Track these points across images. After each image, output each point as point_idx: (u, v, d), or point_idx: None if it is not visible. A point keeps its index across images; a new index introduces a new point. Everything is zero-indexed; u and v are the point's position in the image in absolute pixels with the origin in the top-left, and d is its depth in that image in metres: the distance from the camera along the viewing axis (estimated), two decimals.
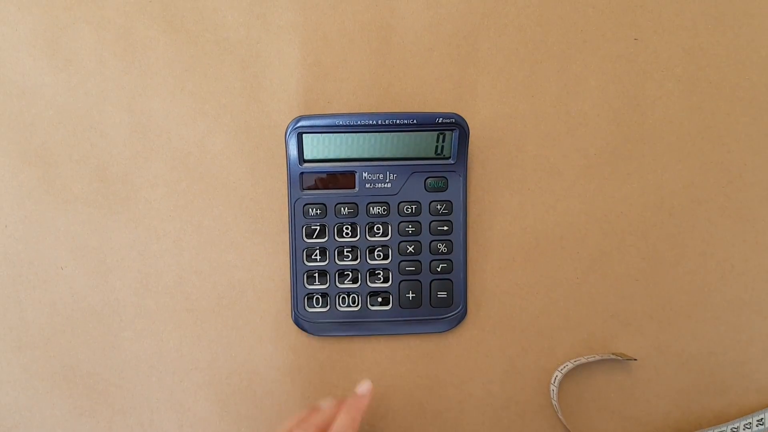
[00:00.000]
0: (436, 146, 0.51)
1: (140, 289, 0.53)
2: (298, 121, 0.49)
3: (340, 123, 0.49)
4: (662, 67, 0.54)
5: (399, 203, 0.51)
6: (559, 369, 0.53)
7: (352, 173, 0.51)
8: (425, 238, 0.52)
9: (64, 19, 0.52)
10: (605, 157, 0.54)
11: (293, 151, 0.50)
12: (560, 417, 0.53)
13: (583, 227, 0.54)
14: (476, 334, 0.54)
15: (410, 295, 0.52)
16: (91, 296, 0.53)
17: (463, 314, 0.53)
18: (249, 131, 0.53)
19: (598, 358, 0.53)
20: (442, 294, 0.52)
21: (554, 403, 0.53)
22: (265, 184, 0.53)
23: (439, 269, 0.52)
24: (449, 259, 0.52)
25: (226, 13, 0.52)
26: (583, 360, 0.53)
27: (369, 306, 0.52)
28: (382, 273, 0.52)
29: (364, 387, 0.48)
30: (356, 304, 0.52)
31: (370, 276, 0.52)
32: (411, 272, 0.52)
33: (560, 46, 0.53)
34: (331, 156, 0.51)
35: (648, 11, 0.53)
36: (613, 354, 0.53)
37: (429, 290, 0.52)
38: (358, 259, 0.52)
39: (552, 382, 0.53)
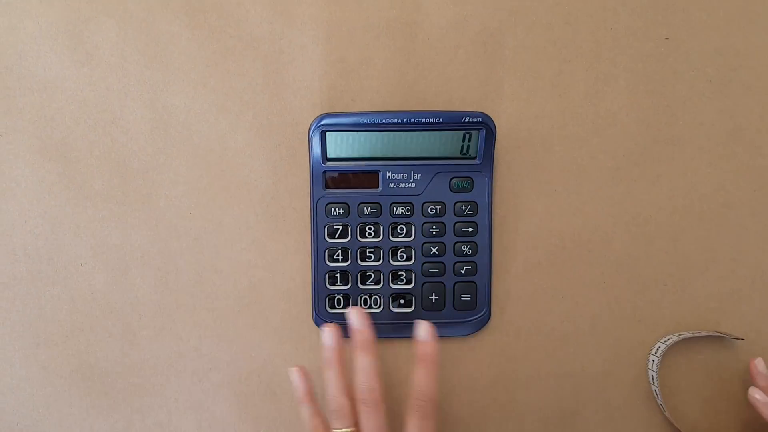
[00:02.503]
0: (462, 146, 0.50)
1: (160, 287, 0.53)
2: (322, 119, 0.48)
3: (365, 121, 0.48)
4: (693, 67, 0.52)
5: (423, 204, 0.51)
6: (662, 340, 0.52)
7: (376, 172, 0.50)
8: (449, 239, 0.51)
9: (86, 12, 0.51)
10: (634, 158, 0.53)
11: (316, 149, 0.49)
12: (655, 388, 0.52)
13: (610, 230, 0.53)
14: (500, 339, 0.53)
15: (433, 297, 0.51)
16: (111, 293, 0.52)
17: (486, 318, 0.52)
18: (271, 128, 0.52)
19: (703, 334, 0.52)
20: (466, 297, 0.51)
21: (651, 373, 0.52)
22: (287, 183, 0.52)
23: (463, 271, 0.51)
24: (473, 261, 0.51)
25: (249, 8, 0.51)
26: (688, 334, 0.52)
27: (391, 308, 0.52)
28: (404, 274, 0.51)
29: (422, 331, 0.45)
30: (378, 305, 0.52)
31: (392, 277, 0.51)
32: (434, 274, 0.51)
33: (589, 44, 0.52)
34: (355, 155, 0.50)
35: (679, 10, 0.52)
36: (718, 332, 0.53)
37: (452, 293, 0.51)
38: (381, 260, 0.51)
39: (653, 352, 0.52)
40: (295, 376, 0.48)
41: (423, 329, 0.45)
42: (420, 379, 0.44)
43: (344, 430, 0.45)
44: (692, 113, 0.52)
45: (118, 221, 0.52)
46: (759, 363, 0.51)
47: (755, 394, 0.48)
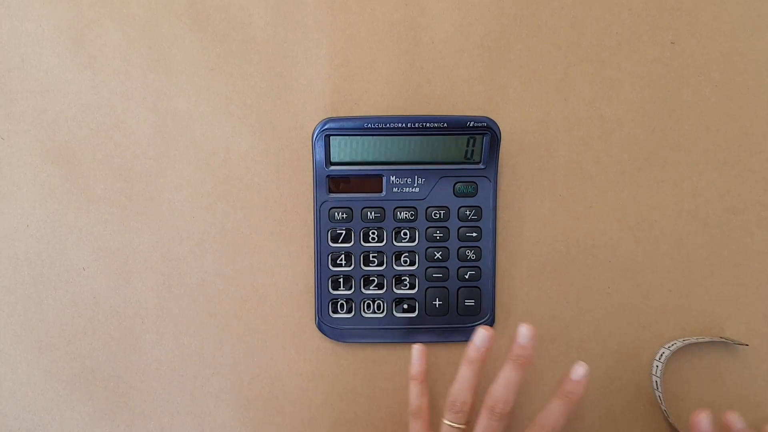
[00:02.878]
0: (466, 150, 0.49)
1: (162, 292, 0.52)
2: (325, 123, 0.48)
3: (369, 125, 0.48)
4: (699, 71, 0.52)
5: (427, 208, 0.50)
6: (666, 346, 0.52)
7: (380, 177, 0.50)
8: (453, 244, 0.51)
9: (88, 15, 0.51)
10: (639, 163, 0.52)
11: (320, 154, 0.49)
12: (659, 394, 0.52)
13: (615, 235, 0.52)
14: (504, 344, 0.53)
15: (437, 302, 0.51)
16: (113, 298, 0.52)
17: (490, 323, 0.52)
18: (274, 132, 0.52)
19: (707, 339, 0.52)
20: (470, 302, 0.51)
21: (655, 379, 0.52)
22: (290, 187, 0.52)
23: (467, 276, 0.51)
24: (477, 266, 0.51)
25: (253, 12, 0.51)
26: (692, 340, 0.52)
27: (394, 313, 0.51)
28: (408, 279, 0.51)
29: (580, 372, 0.45)
30: (381, 310, 0.51)
31: (396, 282, 0.51)
32: (438, 279, 0.51)
33: (594, 48, 0.52)
34: (359, 159, 0.50)
35: (685, 14, 0.52)
36: (722, 337, 0.52)
37: (456, 298, 0.51)
38: (384, 265, 0.51)
39: (657, 358, 0.52)
40: (416, 352, 0.48)
41: (581, 371, 0.45)
42: (556, 410, 0.44)
43: (456, 425, 0.45)
44: (698, 118, 0.52)
45: (120, 225, 0.52)
46: (702, 420, 0.45)
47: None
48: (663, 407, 0.52)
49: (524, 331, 0.45)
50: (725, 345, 0.53)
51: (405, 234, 0.51)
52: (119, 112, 0.52)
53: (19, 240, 0.52)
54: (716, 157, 0.52)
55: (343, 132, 0.48)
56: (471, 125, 0.48)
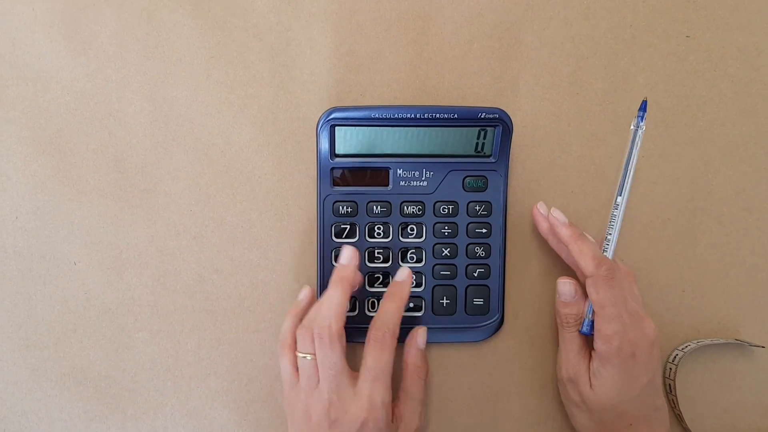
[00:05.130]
0: (477, 143, 0.48)
1: (157, 288, 0.50)
2: (331, 113, 0.46)
3: (376, 115, 0.46)
4: (715, 66, 0.51)
5: (435, 203, 0.48)
6: (680, 348, 0.50)
7: (386, 170, 0.48)
8: (462, 240, 0.49)
9: None
10: (653, 160, 0.51)
11: (324, 145, 0.47)
12: (673, 397, 0.50)
13: (627, 233, 0.51)
14: (513, 345, 0.51)
15: (444, 301, 0.49)
16: (105, 294, 0.50)
17: (499, 323, 0.50)
18: (277, 123, 0.50)
19: (722, 341, 0.50)
20: (478, 301, 0.49)
21: (669, 381, 0.50)
22: (293, 179, 0.50)
23: (475, 274, 0.49)
24: (486, 264, 0.49)
25: None
26: (707, 342, 0.50)
27: None
28: (415, 277, 0.49)
29: (403, 274, 0.47)
30: None
31: None
32: (446, 277, 0.49)
33: (608, 41, 0.50)
34: (365, 151, 0.48)
35: (701, 8, 0.51)
36: (737, 339, 0.51)
37: (464, 296, 0.49)
38: (390, 262, 0.49)
39: (671, 360, 0.50)
40: (304, 293, 0.48)
41: (404, 273, 0.47)
42: (385, 309, 0.45)
43: (305, 355, 0.44)
44: (713, 114, 0.51)
45: (114, 218, 0.50)
46: (541, 206, 0.49)
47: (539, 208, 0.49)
48: (678, 410, 0.50)
49: (346, 252, 0.46)
50: (740, 347, 0.51)
51: (412, 230, 0.49)
52: (114, 101, 0.50)
53: (8, 233, 0.50)
54: (732, 154, 0.51)
55: (348, 122, 0.46)
56: (482, 116, 0.46)
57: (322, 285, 0.49)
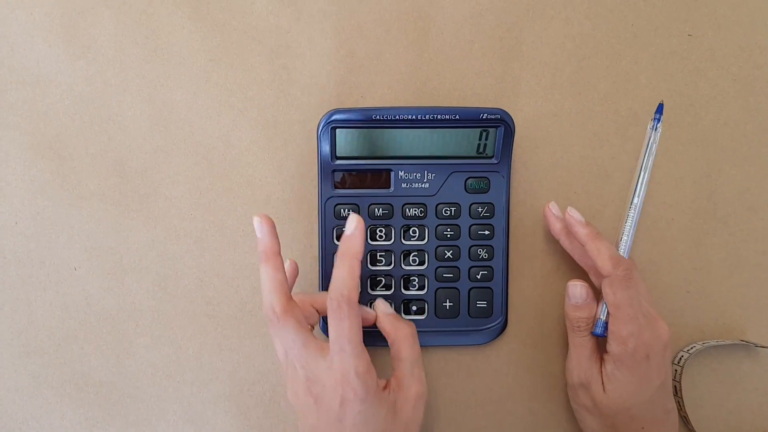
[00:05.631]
0: (479, 144, 0.47)
1: (158, 293, 0.50)
2: (332, 115, 0.46)
3: (378, 117, 0.46)
4: (717, 65, 0.50)
5: (437, 205, 0.48)
6: (685, 349, 0.50)
7: (388, 172, 0.48)
8: (464, 242, 0.48)
9: (82, 2, 0.49)
10: (656, 159, 0.50)
11: (325, 147, 0.47)
12: (679, 399, 0.50)
13: None
14: (517, 348, 0.51)
15: (447, 304, 0.49)
16: (106, 299, 0.50)
17: (503, 326, 0.50)
18: (277, 126, 0.50)
19: (727, 342, 0.50)
20: (482, 303, 0.49)
21: (675, 383, 0.50)
22: (294, 183, 0.50)
23: (478, 277, 0.49)
24: (489, 266, 0.49)
25: (255, 0, 0.49)
26: (712, 343, 0.50)
27: (403, 315, 0.49)
28: (417, 280, 0.49)
29: (351, 224, 0.42)
30: None
31: (404, 283, 0.49)
32: (448, 279, 0.49)
33: (609, 40, 0.50)
34: (366, 153, 0.47)
35: (703, 6, 0.50)
36: (742, 340, 0.50)
37: (467, 299, 0.49)
38: (392, 265, 0.49)
39: (676, 361, 0.50)
40: (259, 225, 0.42)
41: (352, 224, 0.42)
42: (336, 275, 0.41)
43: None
44: (716, 113, 0.50)
45: (114, 223, 0.49)
46: (554, 206, 0.48)
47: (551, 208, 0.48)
48: (684, 412, 0.50)
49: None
50: (746, 348, 0.51)
51: (414, 232, 0.48)
52: (114, 105, 0.49)
53: (8, 238, 0.49)
54: (735, 154, 0.51)
55: (350, 124, 0.46)
56: (484, 117, 0.46)
57: (325, 287, 0.48)
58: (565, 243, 0.48)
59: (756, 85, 0.50)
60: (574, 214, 0.46)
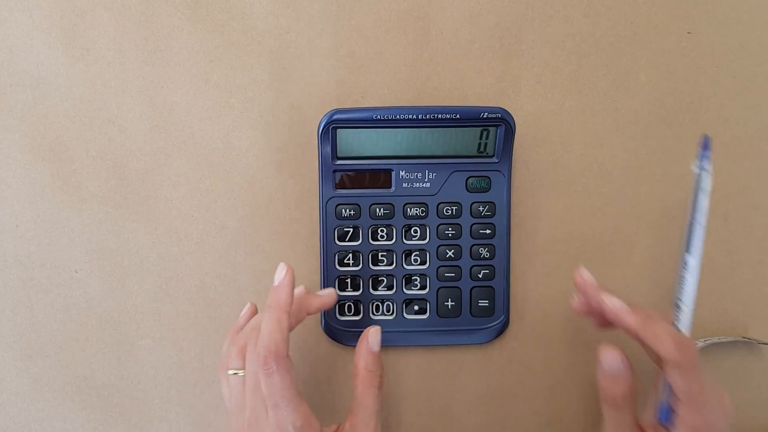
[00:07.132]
0: (479, 143, 0.47)
1: (159, 295, 0.50)
2: (333, 115, 0.46)
3: (378, 117, 0.46)
4: (717, 62, 0.50)
5: (438, 204, 0.48)
6: None
7: (389, 171, 0.48)
8: (466, 242, 0.48)
9: (82, 4, 0.49)
10: (656, 157, 0.50)
11: (326, 147, 0.47)
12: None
13: (632, 232, 0.50)
14: (519, 347, 0.51)
15: (449, 303, 0.49)
16: (107, 302, 0.50)
17: (505, 324, 0.49)
18: (277, 126, 0.49)
19: (729, 339, 0.50)
20: (483, 302, 0.49)
21: None
22: (295, 183, 0.50)
23: (480, 276, 0.49)
24: (491, 265, 0.49)
25: (254, 1, 0.49)
26: (714, 340, 0.50)
27: (405, 315, 0.49)
28: (419, 279, 0.49)
29: (279, 275, 0.41)
30: (391, 312, 0.49)
31: (406, 282, 0.49)
32: (450, 279, 0.49)
33: (609, 38, 0.50)
34: (367, 153, 0.47)
35: (702, 3, 0.50)
36: (745, 337, 0.50)
37: (469, 298, 0.49)
38: (394, 264, 0.49)
39: None
40: (245, 310, 0.46)
41: (280, 273, 0.41)
42: (262, 330, 0.40)
43: (238, 371, 0.41)
44: (716, 110, 0.50)
45: (115, 225, 0.49)
46: (584, 272, 0.43)
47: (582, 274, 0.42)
48: None
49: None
50: (748, 345, 0.51)
51: (415, 231, 0.48)
52: (114, 107, 0.49)
53: (8, 241, 0.49)
54: (736, 151, 0.51)
55: (351, 124, 0.46)
56: (485, 116, 0.46)
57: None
58: (594, 322, 0.43)
59: (756, 82, 0.50)
60: (615, 303, 0.40)
